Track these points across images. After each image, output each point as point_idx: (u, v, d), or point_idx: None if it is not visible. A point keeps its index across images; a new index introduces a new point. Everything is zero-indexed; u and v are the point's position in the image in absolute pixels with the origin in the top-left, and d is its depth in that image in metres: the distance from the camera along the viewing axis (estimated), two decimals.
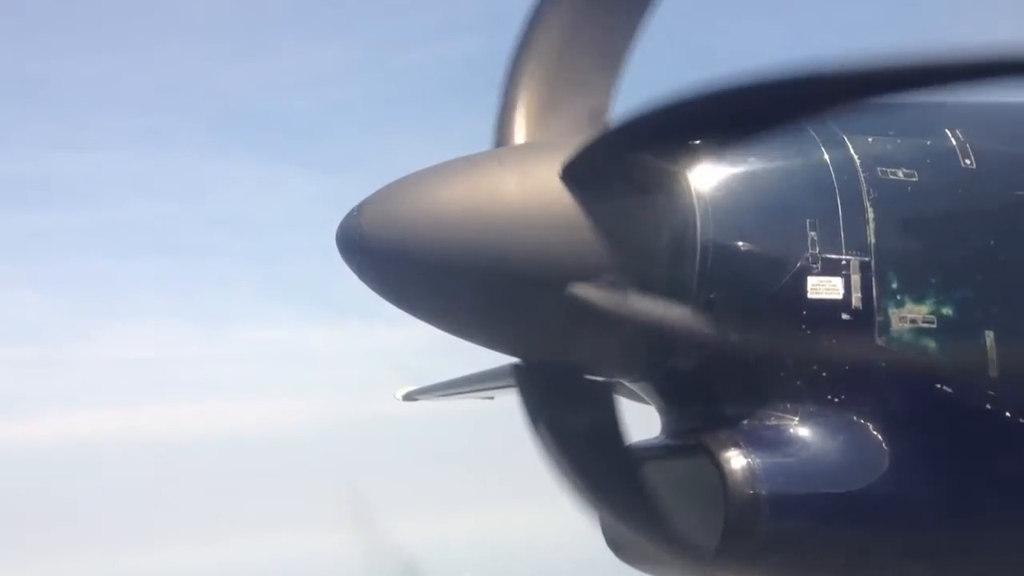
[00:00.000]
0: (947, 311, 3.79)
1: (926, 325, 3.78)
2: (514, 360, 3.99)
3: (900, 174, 3.87)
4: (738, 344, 3.76)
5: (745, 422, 3.79)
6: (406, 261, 3.64)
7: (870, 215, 3.78)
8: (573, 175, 3.65)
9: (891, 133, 4.00)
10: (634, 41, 4.05)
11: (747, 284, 3.76)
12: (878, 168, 3.85)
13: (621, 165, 3.68)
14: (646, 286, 3.67)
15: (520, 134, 3.95)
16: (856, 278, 3.74)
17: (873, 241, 3.77)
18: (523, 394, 3.89)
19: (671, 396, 4.05)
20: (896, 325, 3.76)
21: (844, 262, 3.75)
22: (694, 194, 3.74)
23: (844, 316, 3.73)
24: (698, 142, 3.70)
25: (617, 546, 4.26)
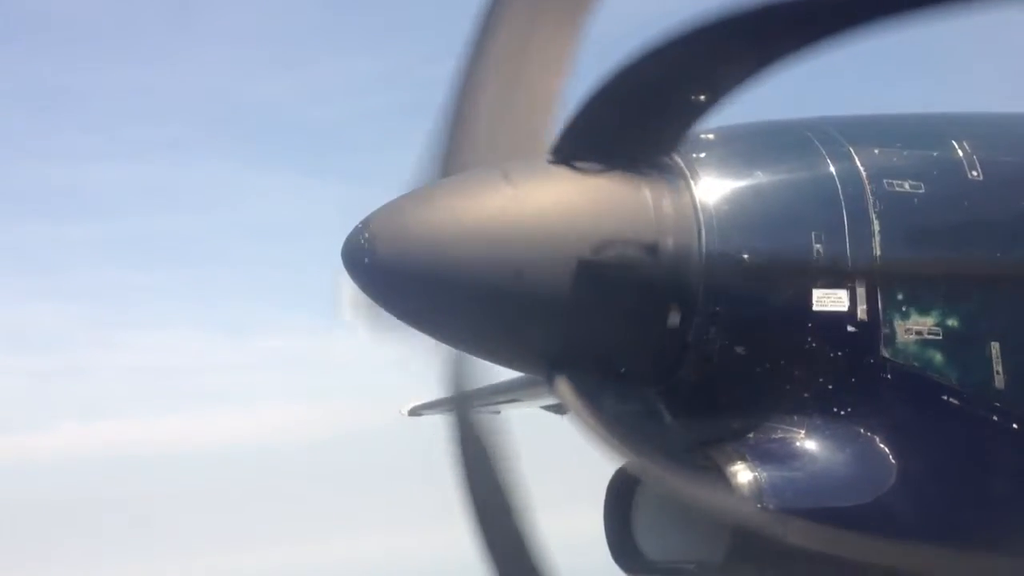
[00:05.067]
0: (952, 323, 3.79)
1: (931, 337, 3.77)
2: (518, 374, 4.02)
3: (906, 186, 3.86)
4: (744, 357, 3.76)
5: (751, 435, 3.79)
6: (414, 278, 3.65)
7: (876, 227, 3.77)
8: (563, 157, 3.73)
9: (898, 145, 4.00)
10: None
11: (753, 296, 3.76)
12: (884, 180, 3.84)
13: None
14: (648, 296, 3.68)
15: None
16: (861, 290, 3.73)
17: (879, 253, 3.76)
18: (574, 399, 3.85)
19: (677, 409, 4.05)
20: (901, 337, 3.75)
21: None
22: (699, 206, 3.75)
23: (849, 328, 3.73)
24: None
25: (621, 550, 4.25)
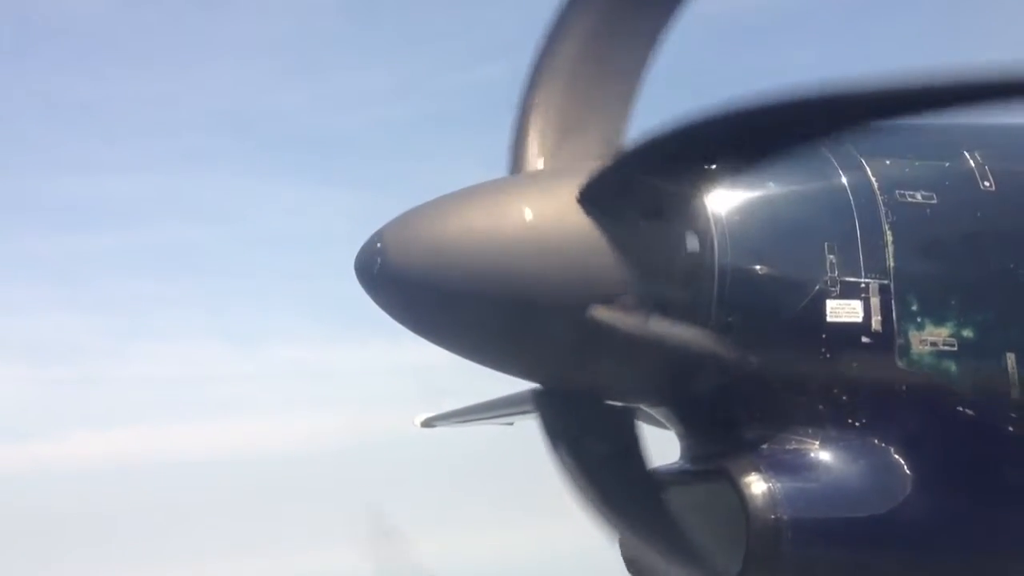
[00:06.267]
0: (967, 333, 3.78)
1: (946, 347, 3.76)
2: (534, 385, 4.01)
3: (919, 197, 3.86)
4: (758, 368, 3.75)
5: (766, 446, 3.78)
6: (427, 289, 3.66)
7: (889, 238, 3.77)
8: (590, 199, 3.67)
9: (909, 156, 3.99)
10: (649, 65, 4.03)
11: (766, 308, 3.76)
12: (896, 191, 3.84)
13: (637, 189, 3.69)
14: (664, 310, 3.68)
15: (534, 161, 3.95)
16: (875, 301, 3.73)
17: (892, 264, 3.76)
18: (543, 419, 3.88)
19: (691, 421, 4.05)
20: (916, 348, 3.75)
21: (863, 285, 3.73)
22: (711, 218, 3.75)
23: (864, 339, 3.72)
24: (711, 167, 3.70)
25: (634, 566, 4.24)
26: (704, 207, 3.75)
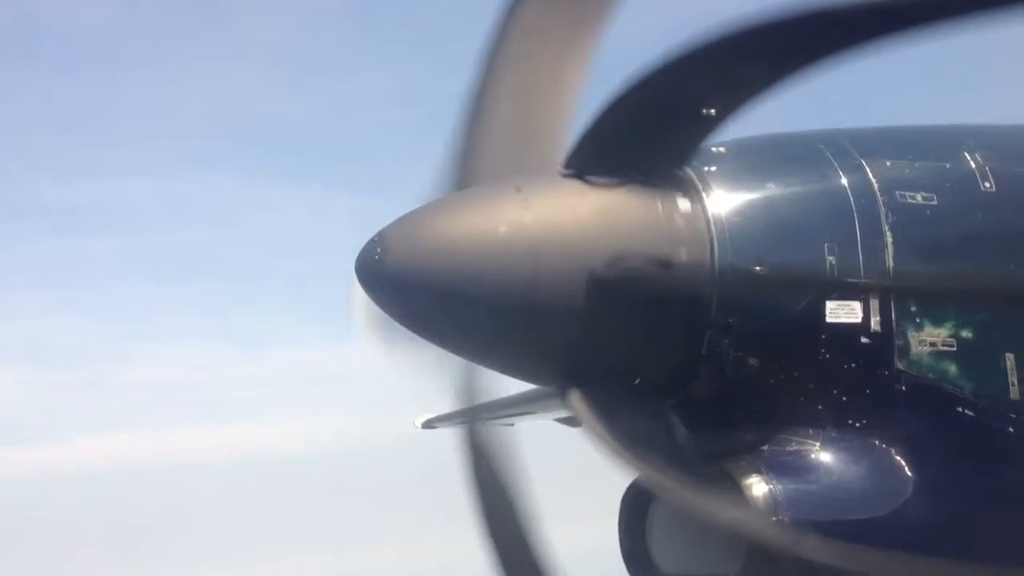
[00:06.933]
0: (966, 334, 3.78)
1: (945, 348, 3.76)
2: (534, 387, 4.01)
3: (919, 198, 3.85)
4: (757, 369, 3.75)
5: (766, 448, 3.78)
6: (428, 290, 3.65)
7: (889, 239, 3.77)
8: (576, 167, 3.69)
9: (909, 156, 3.99)
10: (590, 62, 4.03)
11: (765, 309, 3.76)
12: (897, 192, 3.84)
13: (621, 147, 3.67)
14: (664, 267, 3.66)
15: (489, 171, 3.95)
16: (875, 302, 3.73)
17: (892, 265, 3.76)
18: (587, 413, 3.74)
19: (691, 422, 4.05)
20: (916, 348, 3.74)
21: (863, 286, 3.73)
22: (711, 219, 3.75)
23: (863, 340, 3.72)
24: (696, 108, 3.56)
25: (636, 563, 4.20)
26: (703, 209, 3.75)
